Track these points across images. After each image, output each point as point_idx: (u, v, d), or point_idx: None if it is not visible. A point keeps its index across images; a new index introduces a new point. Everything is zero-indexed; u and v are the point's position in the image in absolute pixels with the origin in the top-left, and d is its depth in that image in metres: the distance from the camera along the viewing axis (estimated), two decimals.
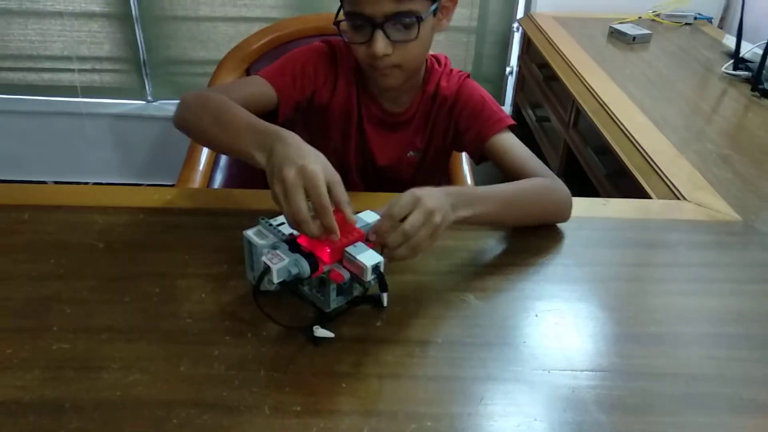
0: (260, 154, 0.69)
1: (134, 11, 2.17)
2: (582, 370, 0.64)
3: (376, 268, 0.63)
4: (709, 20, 2.15)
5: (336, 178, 0.65)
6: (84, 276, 0.75)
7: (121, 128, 2.36)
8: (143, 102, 2.35)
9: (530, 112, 2.17)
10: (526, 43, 2.21)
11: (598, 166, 1.43)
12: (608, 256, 0.85)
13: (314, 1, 2.16)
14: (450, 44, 2.29)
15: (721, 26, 2.19)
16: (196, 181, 1.14)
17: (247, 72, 1.29)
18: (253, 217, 0.71)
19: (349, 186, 1.06)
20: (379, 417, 0.58)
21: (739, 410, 0.61)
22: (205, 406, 0.58)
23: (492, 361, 0.65)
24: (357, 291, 0.68)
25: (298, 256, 0.64)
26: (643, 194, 1.09)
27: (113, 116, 2.34)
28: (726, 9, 2.19)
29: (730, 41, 1.84)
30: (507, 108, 2.47)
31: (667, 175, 1.09)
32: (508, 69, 2.40)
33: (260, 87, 0.92)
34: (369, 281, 0.64)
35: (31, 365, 0.62)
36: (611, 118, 1.37)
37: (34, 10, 2.17)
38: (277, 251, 0.64)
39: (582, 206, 0.97)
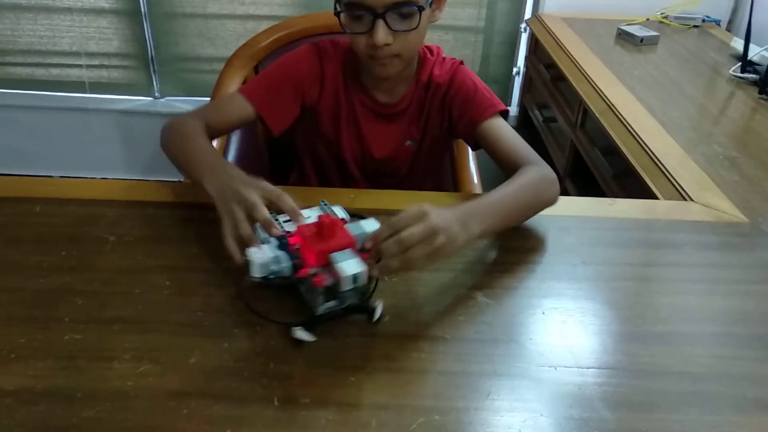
0: (209, 186, 0.76)
1: (143, 8, 2.18)
2: (588, 368, 0.65)
3: (355, 278, 0.61)
4: (717, 23, 2.14)
5: (276, 193, 0.70)
6: (95, 268, 0.76)
7: (129, 124, 2.37)
8: (151, 98, 2.36)
9: (537, 112, 2.17)
10: (534, 44, 2.21)
11: (605, 167, 1.43)
12: (615, 255, 0.85)
13: None
14: (457, 44, 2.30)
15: (729, 29, 2.19)
16: None
17: (256, 70, 1.29)
18: None
19: (348, 179, 1.08)
20: (387, 410, 0.59)
21: (743, 409, 0.61)
22: (215, 398, 0.59)
23: (499, 357, 0.66)
24: (355, 298, 0.65)
25: (282, 253, 0.64)
26: (649, 195, 1.09)
27: (120, 112, 2.35)
28: (734, 11, 2.18)
29: (738, 44, 1.84)
30: (514, 108, 2.47)
31: (674, 176, 1.09)
32: (515, 69, 2.40)
33: (245, 111, 0.96)
34: (347, 290, 0.63)
35: (43, 355, 0.63)
36: (618, 119, 1.37)
37: (43, 5, 2.18)
38: (266, 246, 0.65)
39: (589, 206, 0.97)
